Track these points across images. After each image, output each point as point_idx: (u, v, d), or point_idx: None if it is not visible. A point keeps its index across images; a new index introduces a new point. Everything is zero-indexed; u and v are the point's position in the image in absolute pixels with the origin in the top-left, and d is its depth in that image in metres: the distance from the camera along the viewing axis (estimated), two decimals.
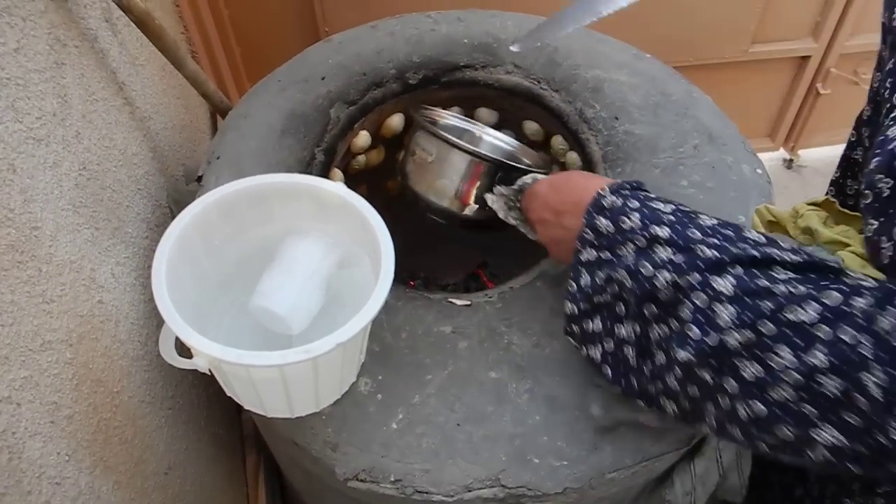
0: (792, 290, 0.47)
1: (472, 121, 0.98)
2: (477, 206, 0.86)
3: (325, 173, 0.90)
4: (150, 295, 0.85)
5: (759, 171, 0.89)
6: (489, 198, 0.82)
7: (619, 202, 0.60)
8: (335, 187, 0.66)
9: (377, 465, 0.66)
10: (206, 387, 1.01)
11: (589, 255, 0.61)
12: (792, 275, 0.48)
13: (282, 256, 0.68)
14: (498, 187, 0.82)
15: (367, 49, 0.99)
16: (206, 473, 0.98)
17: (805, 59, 1.58)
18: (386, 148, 1.08)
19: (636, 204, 0.59)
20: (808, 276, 0.48)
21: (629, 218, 0.58)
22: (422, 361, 0.73)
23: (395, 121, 1.02)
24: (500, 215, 0.81)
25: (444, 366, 0.72)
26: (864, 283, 0.45)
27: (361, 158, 1.02)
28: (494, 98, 1.02)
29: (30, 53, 0.65)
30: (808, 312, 0.45)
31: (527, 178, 0.78)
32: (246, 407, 0.68)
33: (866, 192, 0.49)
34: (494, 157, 0.84)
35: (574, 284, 0.62)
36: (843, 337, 0.43)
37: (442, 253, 1.25)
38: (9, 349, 0.55)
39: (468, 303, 0.78)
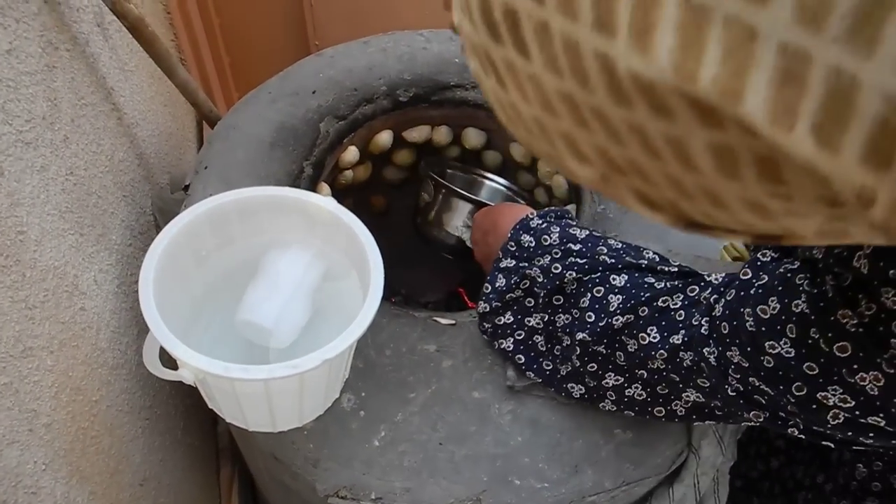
0: (668, 285, 0.59)
1: (477, 171, 1.10)
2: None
3: (312, 187, 0.90)
4: (131, 303, 0.85)
5: None
6: (460, 229, 0.95)
7: (544, 225, 0.70)
8: (325, 202, 0.66)
9: (358, 483, 0.66)
10: (183, 398, 1.00)
11: (508, 263, 0.71)
12: (671, 278, 0.61)
13: (266, 269, 0.68)
14: (466, 220, 0.95)
15: (358, 65, 1.00)
16: (181, 485, 0.97)
17: None
18: (373, 164, 1.08)
19: (556, 228, 0.69)
20: (685, 279, 0.60)
21: (549, 237, 0.69)
22: (405, 379, 0.73)
23: (384, 137, 1.02)
24: (468, 244, 0.93)
25: (428, 384, 0.72)
26: (714, 280, 0.57)
27: (348, 174, 1.02)
28: (483, 118, 1.03)
29: (21, 56, 0.64)
30: (675, 301, 0.57)
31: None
32: (227, 420, 0.67)
33: None
34: (477, 198, 0.98)
35: (489, 286, 0.72)
36: (692, 321, 0.54)
37: (422, 271, 1.25)
38: None
39: (453, 322, 0.78)
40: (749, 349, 0.48)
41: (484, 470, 0.67)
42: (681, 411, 0.62)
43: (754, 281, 0.50)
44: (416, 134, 1.04)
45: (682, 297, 0.57)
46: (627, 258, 0.64)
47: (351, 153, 0.98)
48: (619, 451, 0.69)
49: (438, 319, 0.78)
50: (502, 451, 0.68)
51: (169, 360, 0.60)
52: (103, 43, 0.85)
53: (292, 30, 1.32)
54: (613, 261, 0.64)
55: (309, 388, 0.61)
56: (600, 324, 0.61)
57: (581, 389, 0.67)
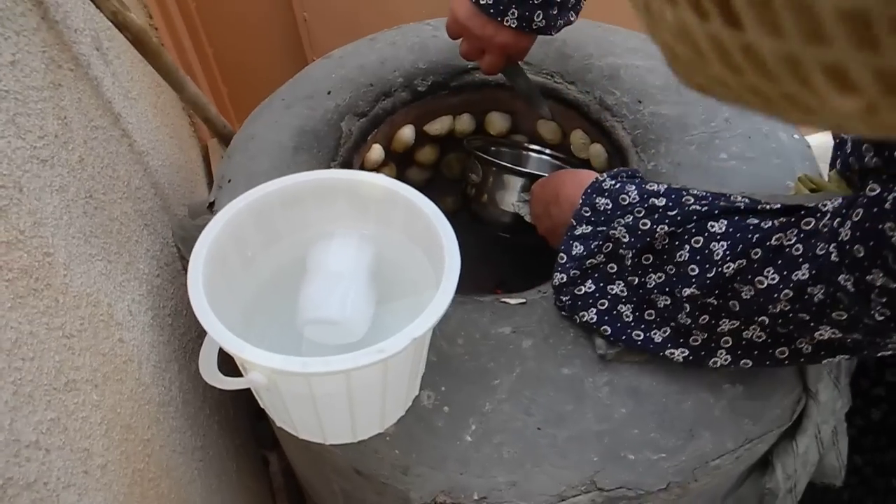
0: (776, 222, 0.54)
1: (523, 144, 1.03)
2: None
3: None
4: (168, 336, 0.78)
5: (796, 136, 0.85)
6: (516, 205, 0.88)
7: (618, 185, 0.65)
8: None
9: (457, 484, 0.59)
10: (232, 437, 0.92)
11: (584, 229, 0.65)
12: (775, 215, 0.56)
13: (315, 265, 0.62)
14: (521, 194, 0.88)
15: (370, 61, 0.95)
16: None
17: None
18: (397, 165, 1.03)
19: (632, 186, 0.64)
20: (793, 214, 0.54)
21: (628, 196, 0.63)
22: (485, 366, 0.66)
23: (406, 133, 0.97)
24: (527, 219, 0.86)
25: (511, 368, 0.66)
26: (828, 206, 0.51)
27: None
28: (506, 100, 0.98)
29: (26, 69, 0.59)
30: (789, 237, 0.52)
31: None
32: (301, 436, 0.60)
33: None
34: (528, 170, 0.91)
35: (565, 255, 0.66)
36: (817, 252, 0.49)
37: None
38: (32, 387, 0.47)
39: (523, 300, 0.72)
40: None
41: (592, 449, 0.60)
42: (807, 349, 0.56)
43: (887, 195, 0.44)
44: (439, 126, 0.99)
45: (796, 231, 0.52)
46: (721, 203, 0.58)
47: (376, 151, 0.92)
48: (734, 406, 0.62)
49: (507, 300, 0.72)
50: (607, 427, 0.61)
51: (229, 370, 0.54)
52: (104, 67, 0.80)
53: (288, 50, 1.28)
54: (706, 208, 0.58)
55: (392, 380, 0.54)
56: (708, 275, 0.55)
57: (685, 352, 0.61)
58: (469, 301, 0.72)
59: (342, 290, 0.57)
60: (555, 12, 0.75)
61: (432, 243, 0.56)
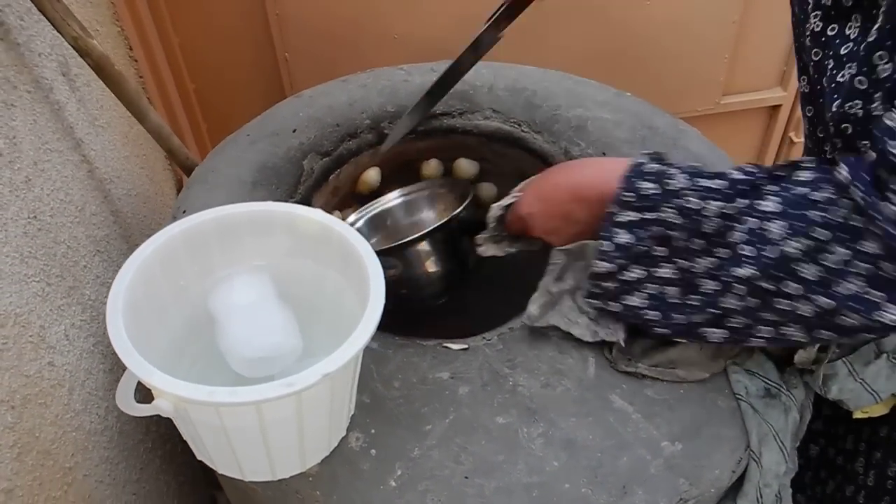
0: (827, 195, 0.51)
1: (378, 203, 0.99)
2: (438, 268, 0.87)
3: None
4: (110, 365, 0.77)
5: None
6: (479, 250, 0.81)
7: (660, 168, 0.61)
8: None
9: None
10: (176, 473, 0.90)
11: (630, 216, 0.62)
12: (814, 173, 0.53)
13: (223, 309, 0.60)
14: (477, 237, 0.81)
15: (339, 101, 0.96)
16: None
17: (776, 108, 1.59)
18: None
19: (675, 169, 0.61)
20: (829, 174, 0.52)
21: (674, 179, 0.60)
22: (419, 411, 0.65)
23: (372, 175, 0.97)
24: (500, 254, 0.80)
25: (445, 414, 0.64)
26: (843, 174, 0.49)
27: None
28: (474, 146, 0.98)
29: None
30: (842, 210, 0.49)
31: (491, 213, 0.78)
32: (220, 471, 0.59)
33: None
34: (417, 235, 0.83)
35: (609, 244, 0.63)
36: (885, 226, 0.46)
37: (424, 329, 1.16)
38: None
39: (465, 346, 0.71)
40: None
41: (519, 502, 0.58)
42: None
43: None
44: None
45: (846, 202, 0.49)
46: (762, 170, 0.58)
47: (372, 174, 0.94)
48: (671, 465, 0.61)
49: (449, 345, 0.71)
50: (538, 480, 0.60)
51: (145, 398, 0.52)
52: (69, 93, 0.81)
53: (268, 88, 1.29)
54: (748, 177, 0.57)
55: (309, 417, 0.52)
56: (768, 254, 0.53)
57: (723, 333, 0.61)
58: (411, 344, 0.71)
59: (264, 316, 0.57)
60: None
61: (363, 286, 0.55)
